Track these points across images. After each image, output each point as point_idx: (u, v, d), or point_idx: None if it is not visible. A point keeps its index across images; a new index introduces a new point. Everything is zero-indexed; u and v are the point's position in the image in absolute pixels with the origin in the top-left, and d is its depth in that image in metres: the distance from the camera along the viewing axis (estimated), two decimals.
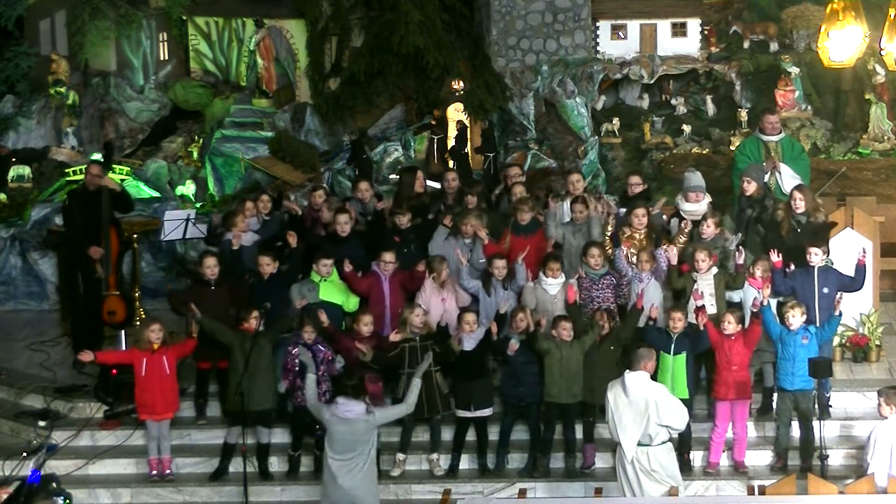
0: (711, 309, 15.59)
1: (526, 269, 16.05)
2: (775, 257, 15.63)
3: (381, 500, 14.74)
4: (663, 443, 14.00)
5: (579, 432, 15.44)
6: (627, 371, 13.97)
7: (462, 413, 15.46)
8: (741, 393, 15.17)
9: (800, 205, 16.28)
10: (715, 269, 15.74)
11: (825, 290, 15.63)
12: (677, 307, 15.28)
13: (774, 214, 16.44)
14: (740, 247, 15.93)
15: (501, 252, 16.23)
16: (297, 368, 15.24)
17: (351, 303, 16.09)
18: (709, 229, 16.15)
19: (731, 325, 15.10)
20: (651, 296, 15.60)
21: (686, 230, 16.15)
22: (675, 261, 15.78)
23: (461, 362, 15.33)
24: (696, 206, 16.63)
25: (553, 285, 15.84)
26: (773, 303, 15.49)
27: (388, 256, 16.04)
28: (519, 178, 17.72)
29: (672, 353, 15.00)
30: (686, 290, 15.76)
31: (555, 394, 15.25)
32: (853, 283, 15.77)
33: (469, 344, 15.31)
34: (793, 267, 15.75)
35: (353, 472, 14.01)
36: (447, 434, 15.58)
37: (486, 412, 15.47)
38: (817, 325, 15.34)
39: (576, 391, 15.26)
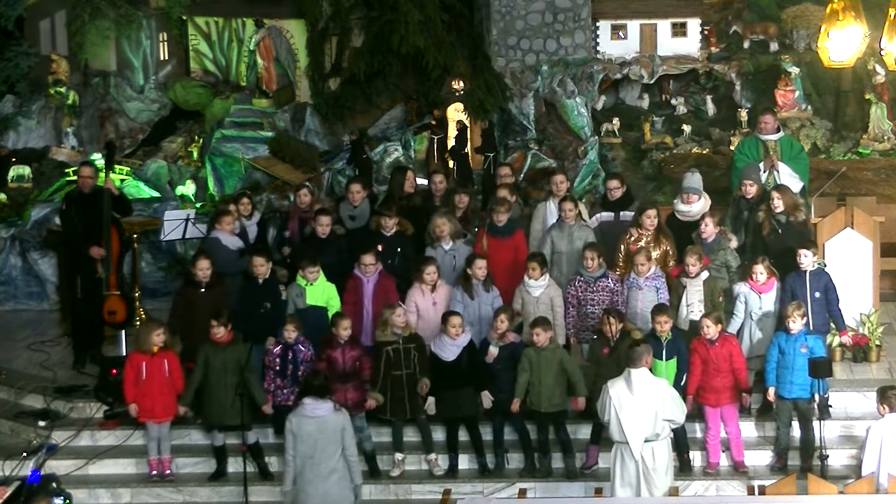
0: (699, 315, 15.51)
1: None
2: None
3: (381, 500, 14.74)
4: (664, 439, 13.97)
5: (577, 433, 15.42)
6: (630, 368, 13.84)
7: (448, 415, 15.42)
8: (729, 398, 15.12)
9: (778, 204, 16.23)
10: (706, 274, 15.66)
11: (817, 295, 15.62)
12: (663, 311, 15.11)
13: (755, 215, 16.41)
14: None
15: (482, 253, 16.14)
16: (277, 367, 15.24)
17: (334, 304, 15.89)
18: (707, 228, 16.06)
19: (711, 329, 14.98)
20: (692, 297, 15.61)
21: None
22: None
23: (446, 373, 15.22)
24: (689, 207, 16.60)
25: (535, 287, 15.74)
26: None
27: (368, 258, 15.84)
28: (506, 180, 17.66)
29: (665, 358, 14.92)
30: (678, 294, 15.70)
31: (535, 402, 15.15)
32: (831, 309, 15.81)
33: (451, 353, 15.22)
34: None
35: (326, 478, 13.83)
36: (439, 434, 15.56)
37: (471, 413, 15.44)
38: (810, 327, 15.31)
39: (556, 400, 15.10)
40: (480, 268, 15.78)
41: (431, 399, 15.26)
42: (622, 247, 16.23)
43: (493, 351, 15.15)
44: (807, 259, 15.62)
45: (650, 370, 14.22)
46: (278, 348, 15.29)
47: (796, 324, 14.96)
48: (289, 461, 13.95)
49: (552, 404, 15.12)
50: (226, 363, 15.01)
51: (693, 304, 15.58)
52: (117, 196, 17.26)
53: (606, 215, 16.93)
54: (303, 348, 15.27)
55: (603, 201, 17.36)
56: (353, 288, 15.93)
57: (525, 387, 15.08)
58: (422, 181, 18.61)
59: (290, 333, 15.24)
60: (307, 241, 16.66)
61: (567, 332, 15.80)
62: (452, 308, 15.61)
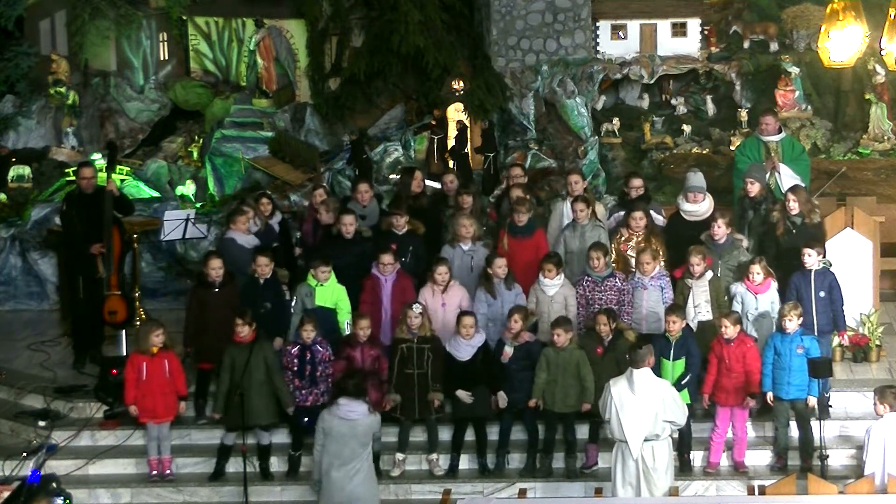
0: (707, 315, 15.52)
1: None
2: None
3: (381, 500, 14.73)
4: (664, 439, 13.97)
5: (581, 433, 15.42)
6: (633, 368, 13.85)
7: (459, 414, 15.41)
8: (742, 398, 15.12)
9: (793, 206, 16.23)
10: (710, 274, 15.65)
11: (822, 294, 15.60)
12: (674, 310, 15.15)
13: (769, 216, 16.41)
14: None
15: (504, 254, 16.14)
16: (295, 368, 15.24)
17: (343, 307, 15.90)
18: (720, 230, 16.02)
19: (729, 329, 15.00)
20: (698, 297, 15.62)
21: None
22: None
23: (459, 373, 15.24)
24: (696, 206, 16.61)
25: (550, 286, 15.76)
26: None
27: (387, 258, 15.87)
28: (520, 179, 17.66)
29: (672, 358, 14.94)
30: (683, 296, 15.69)
31: (549, 402, 15.17)
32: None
33: (466, 353, 15.23)
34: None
35: (352, 478, 13.95)
36: (445, 434, 15.56)
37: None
38: (815, 329, 15.29)
39: (571, 402, 15.14)
40: (500, 266, 15.79)
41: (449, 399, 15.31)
42: (613, 247, 16.26)
43: (509, 350, 15.16)
44: (811, 258, 15.62)
45: (657, 369, 14.26)
46: (296, 349, 15.27)
47: (792, 323, 14.96)
48: (316, 456, 14.16)
49: (566, 405, 15.15)
50: (251, 363, 15.01)
51: (700, 304, 15.58)
52: (118, 196, 17.26)
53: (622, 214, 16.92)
54: (320, 348, 15.25)
55: (620, 198, 17.34)
56: (370, 288, 15.94)
57: (543, 386, 15.10)
58: (433, 183, 18.59)
59: (308, 334, 15.22)
60: (331, 241, 16.56)
61: (578, 333, 15.82)
62: (476, 309, 15.64)
